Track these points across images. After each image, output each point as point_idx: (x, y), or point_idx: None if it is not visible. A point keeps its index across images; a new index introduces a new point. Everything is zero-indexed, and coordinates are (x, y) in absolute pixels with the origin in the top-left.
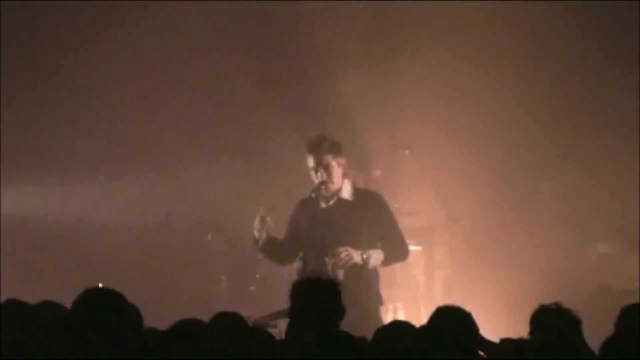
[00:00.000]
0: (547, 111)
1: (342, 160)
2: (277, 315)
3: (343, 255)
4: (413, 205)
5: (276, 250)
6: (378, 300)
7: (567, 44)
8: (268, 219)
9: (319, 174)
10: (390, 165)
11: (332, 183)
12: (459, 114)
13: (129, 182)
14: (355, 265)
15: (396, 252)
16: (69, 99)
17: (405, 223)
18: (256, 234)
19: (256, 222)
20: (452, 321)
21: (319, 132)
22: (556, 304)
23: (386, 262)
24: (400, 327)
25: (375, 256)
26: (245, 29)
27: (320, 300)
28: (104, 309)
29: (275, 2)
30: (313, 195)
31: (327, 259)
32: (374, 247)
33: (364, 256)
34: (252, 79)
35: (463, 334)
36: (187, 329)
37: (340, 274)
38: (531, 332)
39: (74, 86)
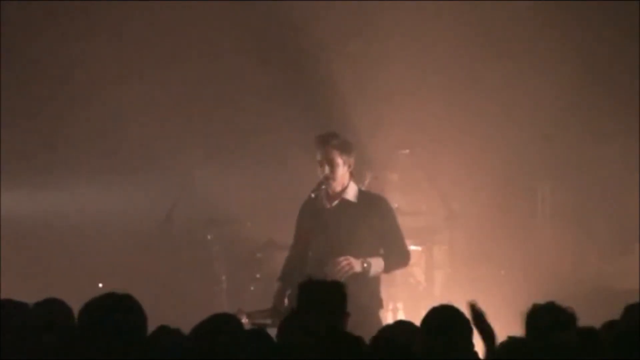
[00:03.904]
0: (547, 111)
1: (350, 160)
2: (269, 313)
3: (343, 264)
4: (413, 205)
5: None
6: (378, 303)
7: (567, 44)
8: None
9: (323, 168)
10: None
11: (334, 179)
12: (459, 114)
13: (129, 182)
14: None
15: (397, 259)
16: (70, 100)
17: (405, 223)
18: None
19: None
20: (445, 320)
21: (320, 132)
22: (550, 302)
23: (387, 269)
24: (402, 327)
25: (376, 264)
26: (246, 28)
27: (326, 301)
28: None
29: (277, 2)
30: (313, 195)
31: (326, 268)
32: (375, 251)
33: (365, 265)
34: (254, 79)
35: (456, 333)
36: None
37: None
38: (527, 332)
39: (76, 87)
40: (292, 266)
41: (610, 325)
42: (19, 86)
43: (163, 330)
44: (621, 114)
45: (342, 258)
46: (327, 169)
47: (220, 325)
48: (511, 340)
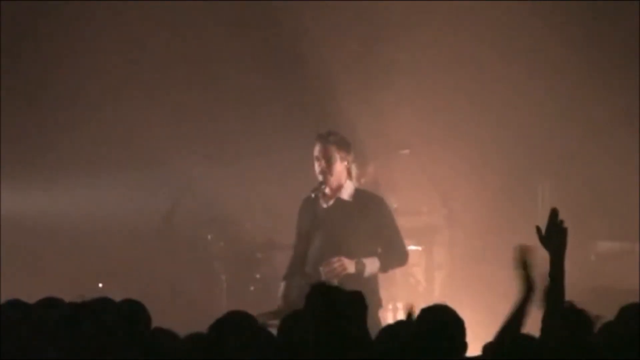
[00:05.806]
0: (546, 110)
1: (347, 157)
2: (276, 314)
3: (336, 265)
4: (413, 205)
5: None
6: (377, 303)
7: (566, 43)
8: None
9: (320, 162)
10: (389, 164)
11: (331, 174)
12: (459, 114)
13: (129, 182)
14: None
15: (394, 259)
16: (71, 100)
17: (405, 223)
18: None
19: None
20: (436, 320)
21: (319, 132)
22: (570, 303)
23: (383, 269)
24: (403, 327)
25: (371, 265)
26: (246, 30)
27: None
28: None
29: (276, 2)
30: (313, 195)
31: (320, 268)
32: (372, 251)
33: (358, 266)
34: (253, 79)
35: (447, 333)
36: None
37: (334, 283)
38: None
39: (77, 87)
40: (297, 266)
41: (606, 326)
42: (20, 86)
43: (159, 331)
44: (622, 113)
45: (335, 259)
46: (323, 164)
47: (233, 325)
48: (523, 338)
